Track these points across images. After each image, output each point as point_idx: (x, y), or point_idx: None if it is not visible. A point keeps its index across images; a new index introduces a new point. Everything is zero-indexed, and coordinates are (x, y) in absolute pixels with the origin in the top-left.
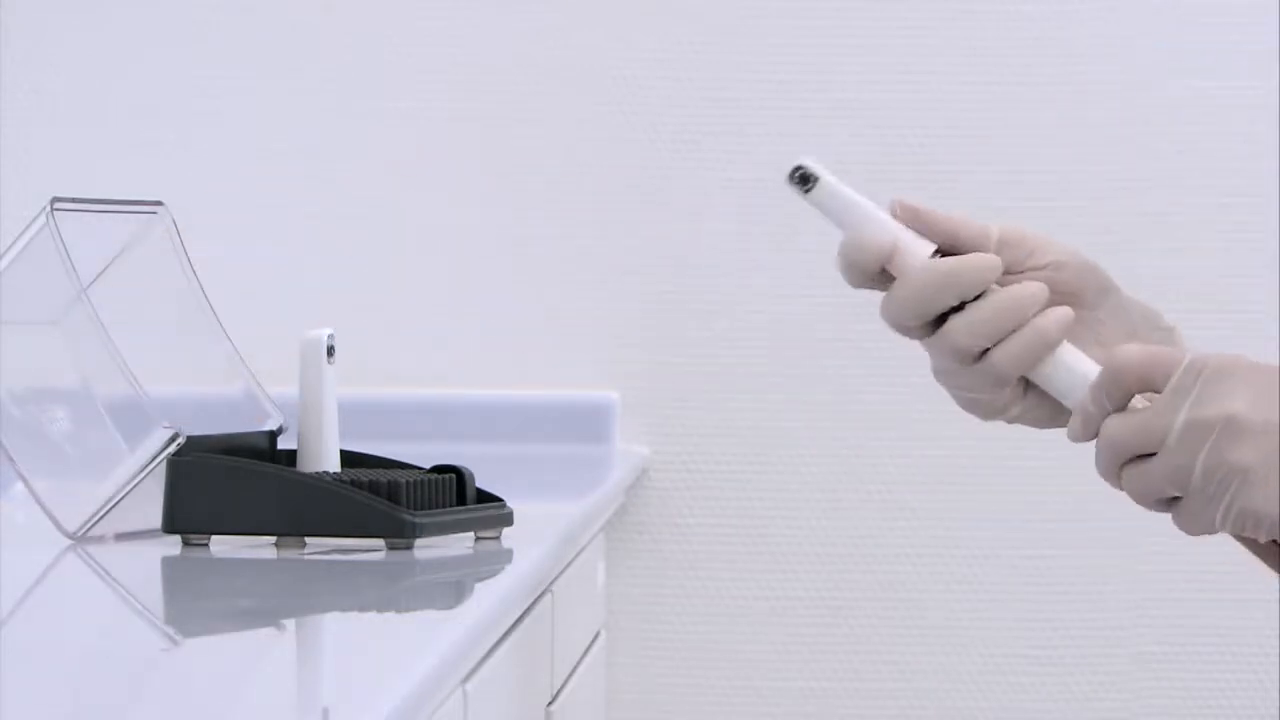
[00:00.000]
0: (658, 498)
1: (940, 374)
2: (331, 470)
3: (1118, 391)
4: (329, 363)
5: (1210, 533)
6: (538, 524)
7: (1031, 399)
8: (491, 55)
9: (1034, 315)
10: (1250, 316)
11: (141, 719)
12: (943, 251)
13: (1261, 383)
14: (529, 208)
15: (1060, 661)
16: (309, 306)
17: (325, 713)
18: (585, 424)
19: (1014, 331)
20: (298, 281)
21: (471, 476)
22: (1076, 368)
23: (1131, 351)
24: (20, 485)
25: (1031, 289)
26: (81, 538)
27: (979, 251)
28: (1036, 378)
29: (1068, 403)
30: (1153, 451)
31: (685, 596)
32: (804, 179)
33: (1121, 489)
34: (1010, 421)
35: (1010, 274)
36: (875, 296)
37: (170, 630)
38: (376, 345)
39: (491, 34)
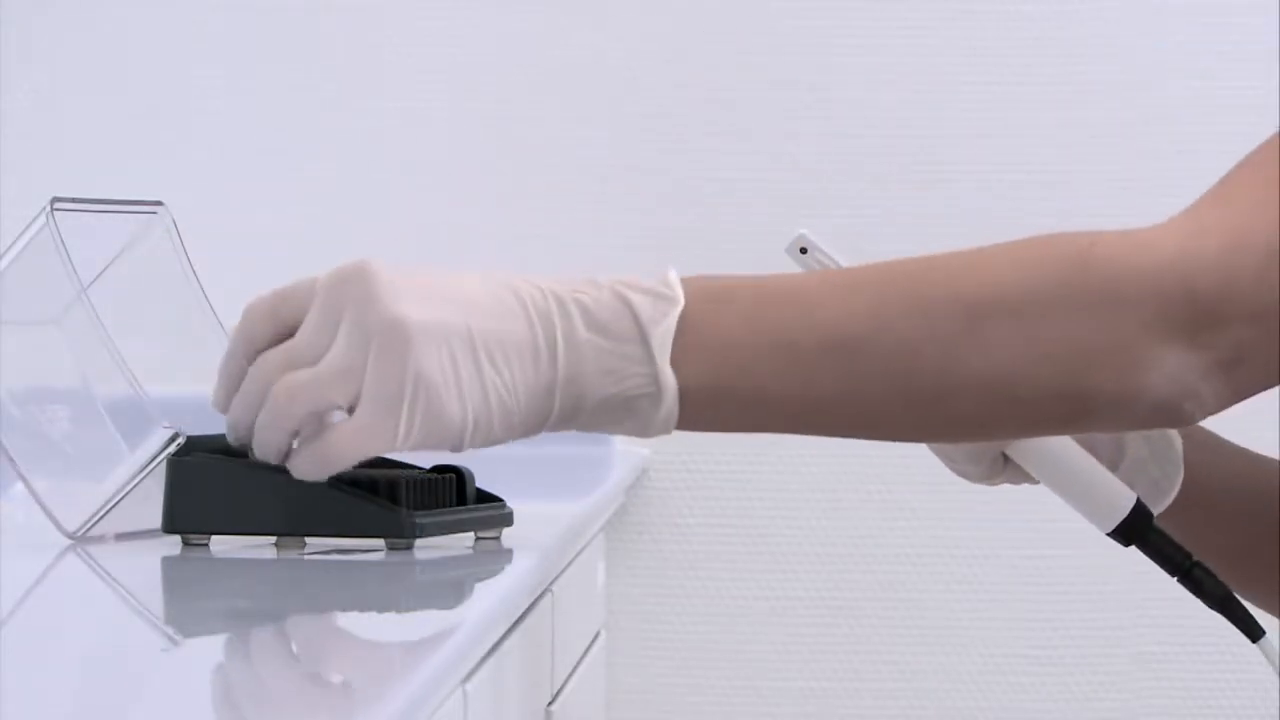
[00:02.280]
0: (658, 498)
1: (931, 447)
2: None
3: (250, 332)
4: None
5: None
6: (538, 524)
7: (1013, 470)
8: (491, 55)
9: None
10: None
11: (141, 719)
12: None
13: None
14: (529, 208)
15: (1060, 661)
16: None
17: (325, 713)
18: None
19: None
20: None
21: (471, 476)
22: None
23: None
24: (20, 485)
25: None
26: (81, 538)
27: None
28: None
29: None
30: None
31: (685, 596)
32: (803, 250)
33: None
34: (996, 485)
35: None
36: None
37: (170, 630)
38: None
39: (491, 34)
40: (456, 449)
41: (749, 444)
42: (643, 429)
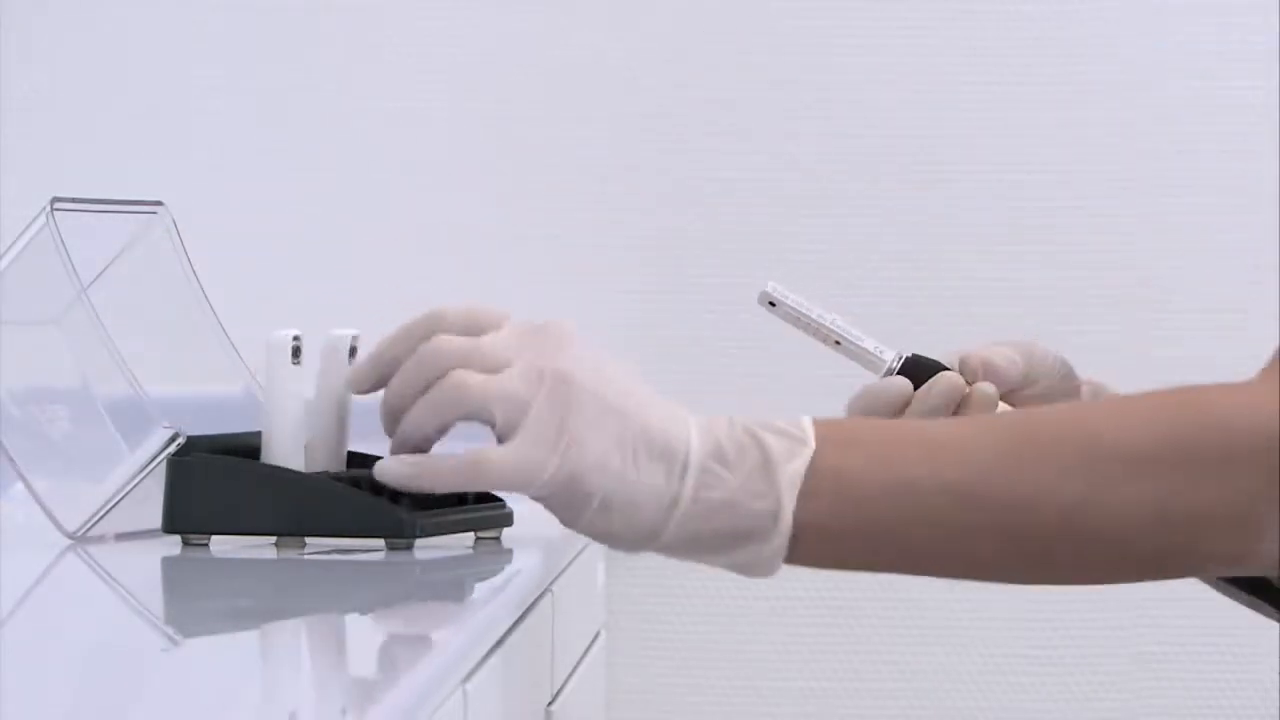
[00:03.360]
0: None
1: None
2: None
3: (434, 323)
4: (294, 363)
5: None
6: (538, 524)
7: None
8: (491, 55)
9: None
10: (1250, 317)
11: (141, 719)
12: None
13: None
14: (529, 208)
15: (1060, 661)
16: (309, 306)
17: (325, 713)
18: None
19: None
20: (297, 281)
21: None
22: None
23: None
24: (20, 485)
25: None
26: (81, 538)
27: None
28: None
29: None
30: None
31: (685, 596)
32: (772, 304)
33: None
34: None
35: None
36: (877, 297)
37: (170, 630)
38: None
39: (491, 34)
40: (571, 523)
41: None
42: (750, 564)
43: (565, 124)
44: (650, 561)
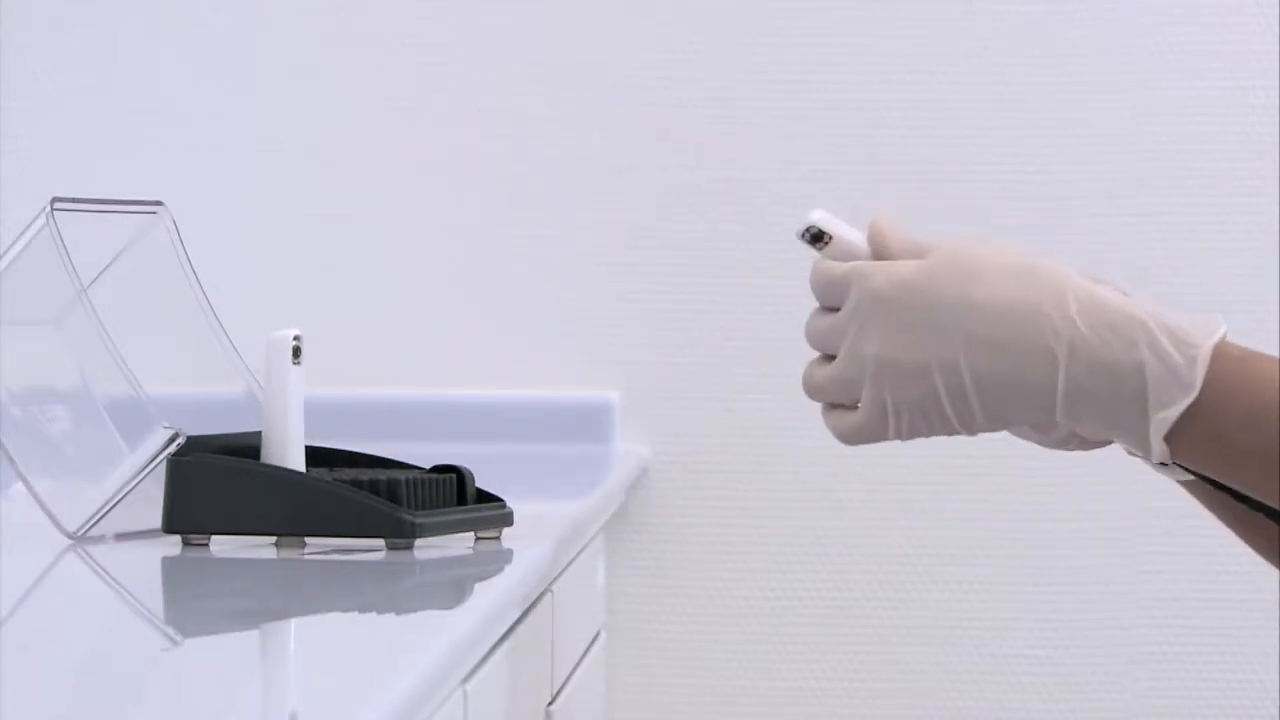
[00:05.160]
0: (658, 498)
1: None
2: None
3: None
4: (294, 363)
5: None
6: (538, 524)
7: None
8: (492, 55)
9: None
10: (1250, 316)
11: (141, 719)
12: None
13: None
14: (529, 208)
15: (1060, 661)
16: (309, 306)
17: (325, 713)
18: (585, 424)
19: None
20: (297, 281)
21: (471, 476)
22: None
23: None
24: (20, 485)
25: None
26: (81, 538)
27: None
28: None
29: None
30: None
31: (685, 596)
32: (816, 237)
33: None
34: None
35: None
36: None
37: (170, 630)
38: (377, 345)
39: (491, 34)
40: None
41: (749, 444)
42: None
43: (565, 124)
44: (650, 561)
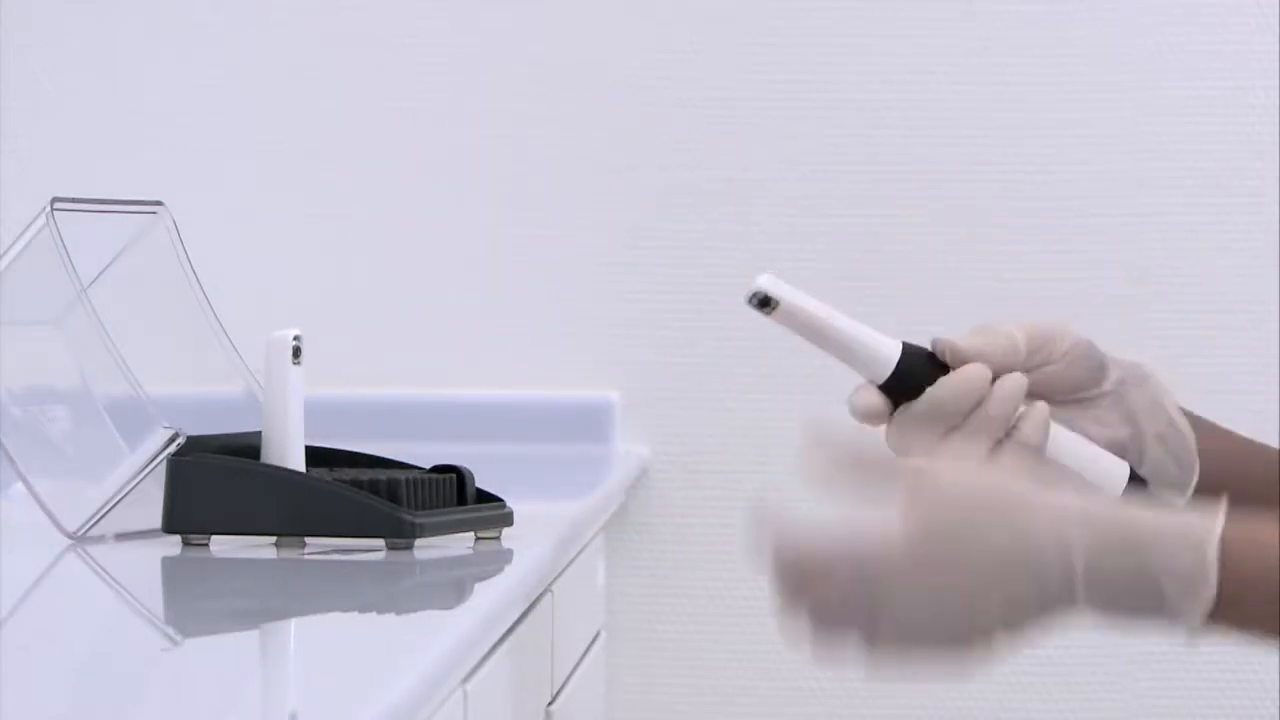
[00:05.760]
0: (658, 498)
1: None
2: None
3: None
4: (295, 363)
5: None
6: (538, 524)
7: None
8: (491, 55)
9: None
10: (1250, 316)
11: (141, 719)
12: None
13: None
14: (529, 208)
15: (1060, 661)
16: (309, 306)
17: (325, 713)
18: (585, 424)
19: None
20: (297, 281)
21: (471, 476)
22: (1079, 451)
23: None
24: (20, 485)
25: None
26: (81, 538)
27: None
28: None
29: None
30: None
31: (685, 596)
32: (764, 303)
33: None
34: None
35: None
36: (880, 294)
37: (170, 630)
38: (377, 345)
39: (491, 34)
40: None
41: (749, 444)
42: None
43: (565, 124)
44: (650, 561)
